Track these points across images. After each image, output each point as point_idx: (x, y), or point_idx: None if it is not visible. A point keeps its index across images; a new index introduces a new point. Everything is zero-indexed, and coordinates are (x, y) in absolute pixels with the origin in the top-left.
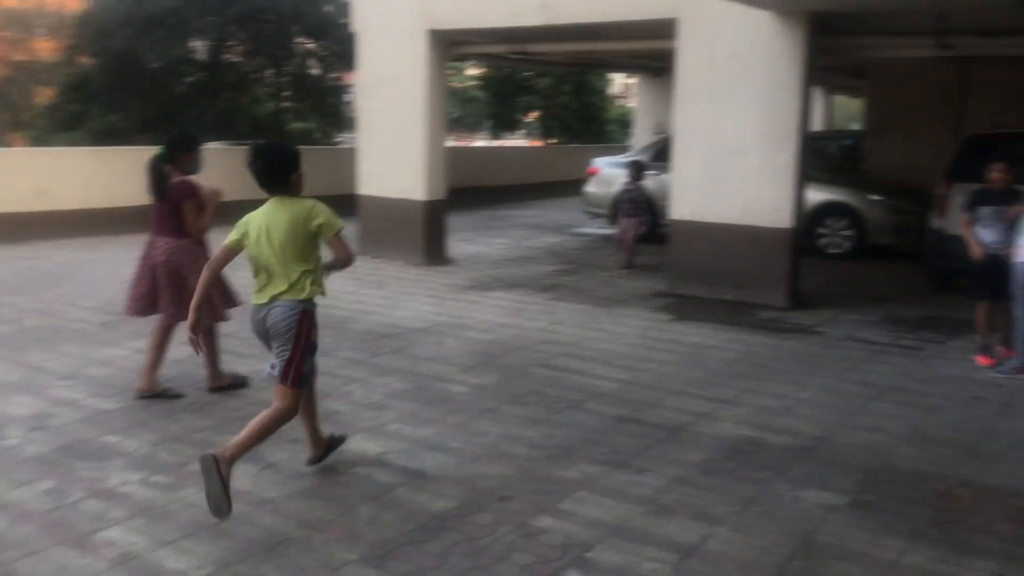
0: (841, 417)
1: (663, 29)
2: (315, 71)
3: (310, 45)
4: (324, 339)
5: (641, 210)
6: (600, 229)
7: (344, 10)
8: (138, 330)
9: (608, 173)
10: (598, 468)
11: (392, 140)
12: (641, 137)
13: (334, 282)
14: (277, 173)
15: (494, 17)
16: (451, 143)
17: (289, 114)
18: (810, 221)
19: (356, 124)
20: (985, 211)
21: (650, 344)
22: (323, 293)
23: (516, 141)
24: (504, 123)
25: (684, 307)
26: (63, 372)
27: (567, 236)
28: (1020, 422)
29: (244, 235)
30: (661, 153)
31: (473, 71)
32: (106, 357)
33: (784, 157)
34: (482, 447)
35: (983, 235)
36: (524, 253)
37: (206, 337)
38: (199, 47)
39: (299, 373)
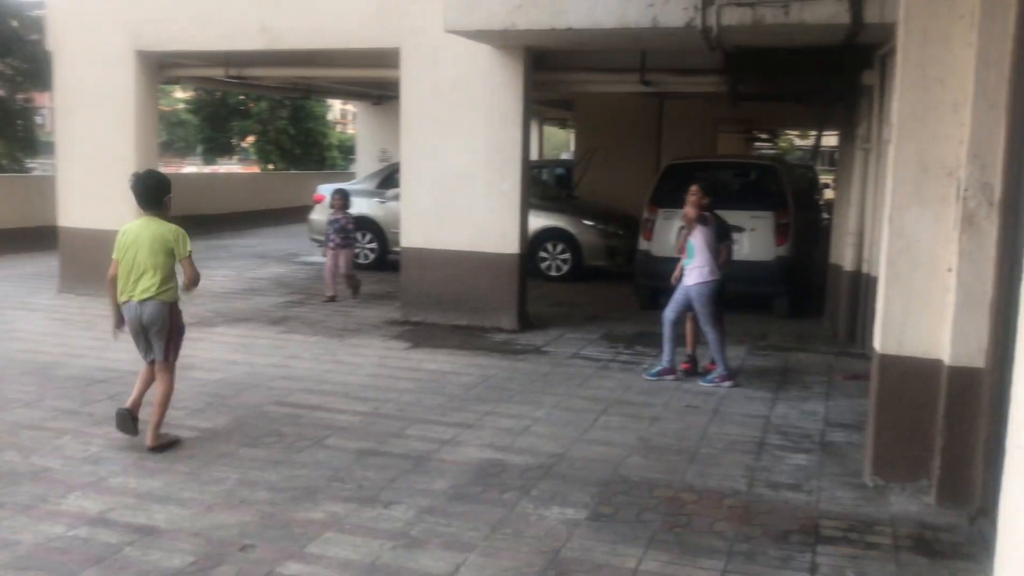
0: (575, 432)
1: (385, 58)
2: (0, 91)
3: None
4: (26, 388)
5: (351, 240)
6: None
7: (35, 26)
8: None
9: None
10: (344, 506)
11: (97, 167)
12: (365, 164)
13: (33, 324)
14: (153, 195)
15: (210, 40)
16: (161, 170)
17: None
18: (532, 246)
19: (54, 150)
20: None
21: (389, 373)
22: (179, 297)
23: (231, 167)
24: (217, 148)
25: (420, 334)
26: None
27: (294, 265)
28: (729, 427)
29: (118, 243)
30: (388, 180)
31: (182, 94)
32: None
33: (509, 184)
34: (218, 495)
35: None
36: (248, 285)
37: None
38: None
39: (176, 351)
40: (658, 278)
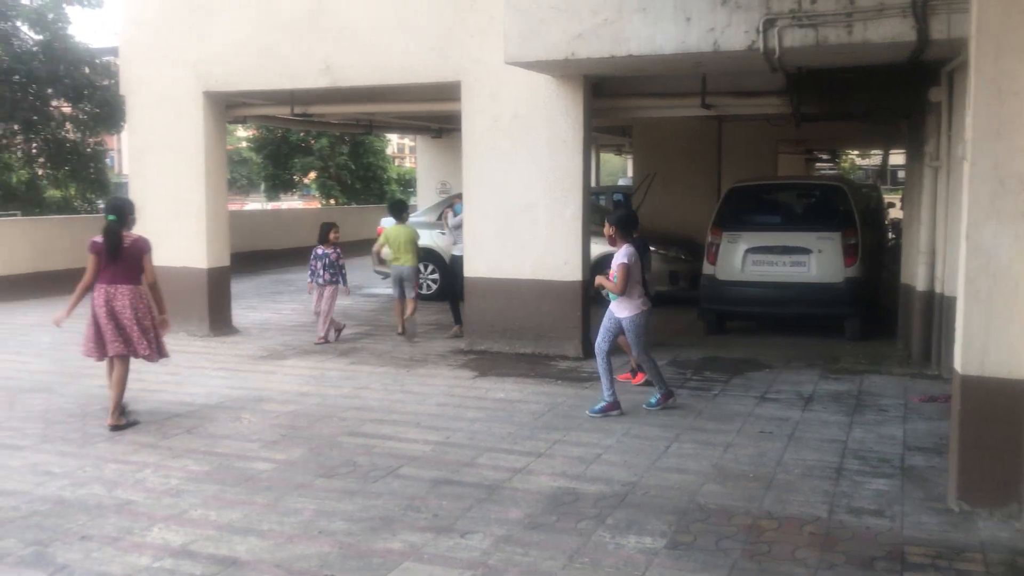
0: (647, 460)
1: (446, 91)
2: (73, 135)
3: (67, 108)
4: (103, 425)
5: (341, 276)
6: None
7: (105, 72)
8: None
9: None
10: (422, 536)
11: (169, 206)
12: (425, 196)
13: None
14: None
15: (275, 79)
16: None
17: (45, 181)
18: (593, 272)
19: (127, 190)
20: None
21: (457, 402)
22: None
23: (293, 203)
24: (280, 185)
25: (485, 363)
26: None
27: (358, 297)
28: (805, 452)
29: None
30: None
31: (244, 132)
32: None
33: (570, 212)
34: (297, 526)
35: None
36: (315, 318)
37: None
38: None
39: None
40: (724, 302)
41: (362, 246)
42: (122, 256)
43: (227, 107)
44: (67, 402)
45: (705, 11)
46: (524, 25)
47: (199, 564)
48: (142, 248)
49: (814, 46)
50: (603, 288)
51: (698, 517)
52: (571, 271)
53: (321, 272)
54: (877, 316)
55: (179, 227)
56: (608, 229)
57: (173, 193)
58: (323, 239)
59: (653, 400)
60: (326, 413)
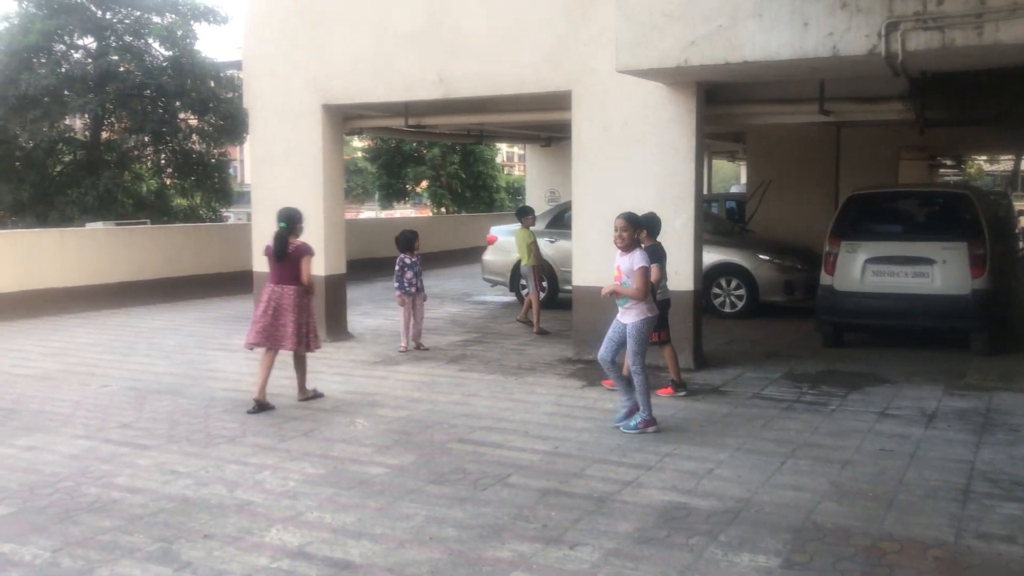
0: (762, 476)
1: (557, 101)
2: (199, 147)
3: (193, 121)
4: (228, 425)
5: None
6: (500, 297)
7: (229, 85)
8: (26, 425)
9: (505, 241)
10: (531, 546)
11: None
12: (534, 204)
13: (232, 364)
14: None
15: (390, 91)
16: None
17: (172, 191)
18: (704, 281)
19: (251, 200)
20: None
21: (566, 412)
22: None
23: (405, 211)
24: (393, 194)
25: (593, 373)
26: None
27: (468, 304)
28: (929, 472)
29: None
30: (557, 220)
31: (359, 143)
32: None
33: (682, 221)
34: (408, 531)
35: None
36: (426, 324)
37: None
38: (77, 125)
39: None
40: (842, 314)
41: (472, 254)
42: (287, 260)
43: (344, 119)
44: (192, 403)
45: (823, 15)
46: (636, 33)
47: (314, 566)
48: (302, 252)
49: (940, 49)
50: (615, 296)
51: (814, 536)
52: (682, 281)
53: (413, 281)
54: (1007, 330)
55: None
56: (627, 232)
57: (293, 202)
58: (408, 248)
59: (621, 416)
60: (437, 419)
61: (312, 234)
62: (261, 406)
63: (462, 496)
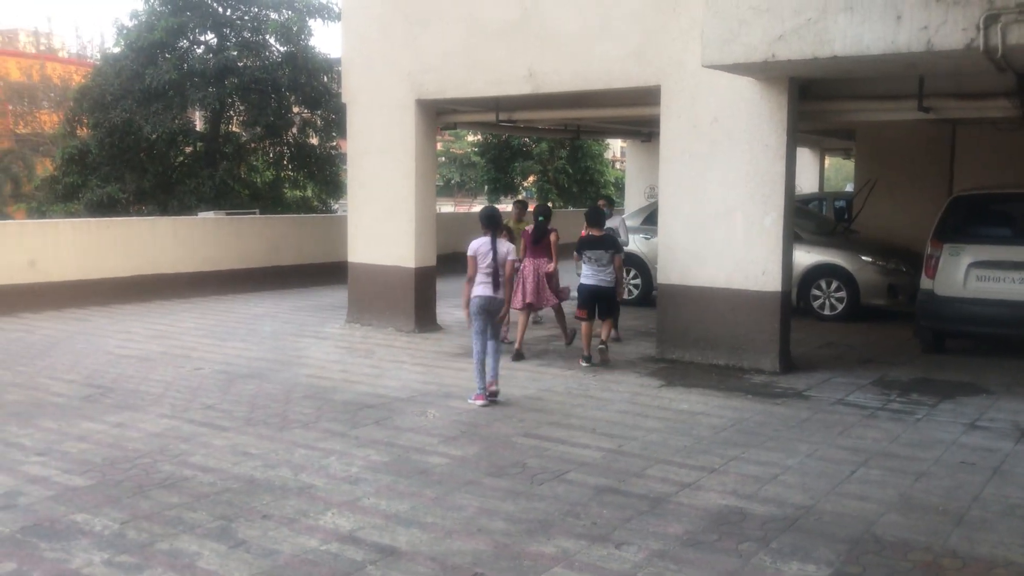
0: (828, 484)
1: (646, 96)
2: (312, 140)
3: (307, 114)
4: (305, 410)
5: None
6: None
7: (340, 80)
8: (118, 403)
9: None
10: (576, 542)
11: (382, 208)
12: (632, 200)
13: (321, 351)
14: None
15: (480, 86)
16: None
17: (286, 182)
18: (803, 282)
19: (347, 192)
20: (588, 254)
21: (638, 411)
22: None
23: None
24: (502, 188)
25: (674, 372)
26: (38, 448)
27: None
28: (1010, 488)
29: None
30: (652, 216)
31: (472, 137)
32: (83, 432)
33: (771, 219)
34: (458, 521)
35: (586, 273)
36: (514, 317)
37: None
38: (197, 118)
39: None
40: (943, 320)
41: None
42: (541, 243)
43: (437, 114)
44: (275, 388)
45: (918, 8)
46: (723, 27)
47: (361, 550)
48: (552, 234)
49: None
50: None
51: (871, 548)
52: (770, 281)
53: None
54: None
55: (391, 228)
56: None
57: (387, 195)
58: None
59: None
60: (506, 413)
61: (404, 227)
62: (519, 355)
63: (517, 490)
